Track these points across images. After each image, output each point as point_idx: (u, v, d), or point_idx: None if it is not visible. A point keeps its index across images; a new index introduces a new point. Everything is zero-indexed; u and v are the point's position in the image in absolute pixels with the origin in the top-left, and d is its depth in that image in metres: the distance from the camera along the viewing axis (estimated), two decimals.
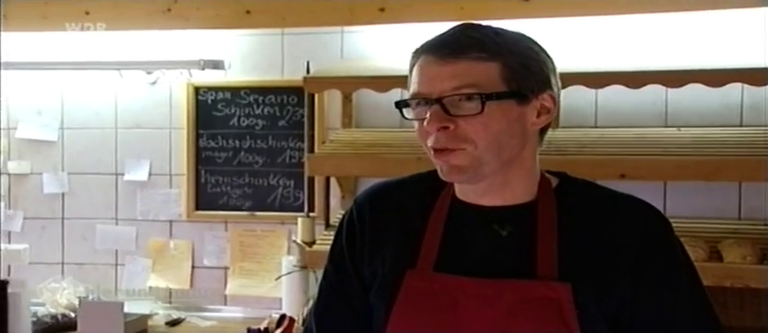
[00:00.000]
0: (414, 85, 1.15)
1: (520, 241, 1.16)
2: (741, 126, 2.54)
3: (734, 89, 2.44)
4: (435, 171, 1.21)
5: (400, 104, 1.17)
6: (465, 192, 1.21)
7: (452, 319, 1.15)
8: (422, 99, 1.13)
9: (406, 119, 1.17)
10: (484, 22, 1.18)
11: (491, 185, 1.17)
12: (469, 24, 1.15)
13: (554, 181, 1.22)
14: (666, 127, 2.59)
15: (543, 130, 1.19)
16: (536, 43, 1.17)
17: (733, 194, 2.57)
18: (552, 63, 1.18)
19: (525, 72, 1.12)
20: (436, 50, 1.12)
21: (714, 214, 2.55)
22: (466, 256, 1.18)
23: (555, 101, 1.16)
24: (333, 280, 1.32)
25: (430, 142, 1.13)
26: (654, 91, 2.41)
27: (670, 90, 2.49)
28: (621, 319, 1.15)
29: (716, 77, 2.20)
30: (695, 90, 2.28)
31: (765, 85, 2.21)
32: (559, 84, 1.19)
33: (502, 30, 1.16)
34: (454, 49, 1.11)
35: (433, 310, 1.16)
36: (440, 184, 1.21)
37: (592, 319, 1.13)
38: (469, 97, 1.09)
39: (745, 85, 2.43)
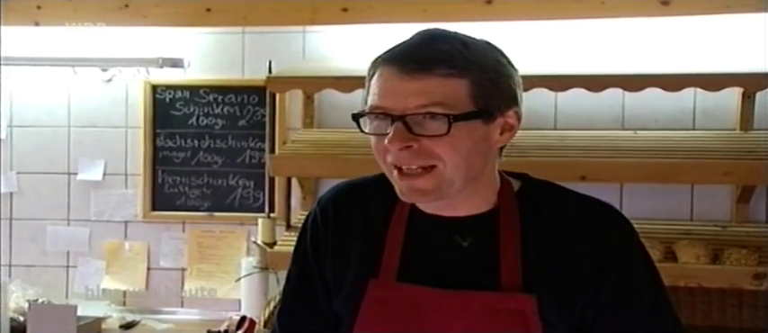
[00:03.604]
0: (374, 97, 1.08)
1: (482, 251, 1.14)
2: (694, 130, 2.62)
3: (688, 94, 2.52)
4: None
5: (357, 116, 1.10)
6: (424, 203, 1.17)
7: (417, 330, 1.13)
8: (382, 113, 1.06)
9: (363, 132, 1.10)
10: (448, 27, 1.12)
11: (450, 202, 1.13)
12: (435, 33, 1.09)
13: (516, 184, 1.19)
14: (623, 130, 2.65)
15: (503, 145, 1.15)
16: (503, 54, 1.12)
17: (685, 196, 2.65)
18: (518, 76, 1.13)
19: (493, 89, 1.07)
20: (401, 63, 1.05)
21: (667, 215, 2.62)
22: (428, 266, 1.15)
23: (519, 118, 1.12)
24: (296, 283, 1.28)
25: (390, 159, 1.08)
26: (611, 95, 2.47)
27: (627, 94, 2.56)
28: (584, 324, 1.14)
29: (673, 82, 2.27)
30: (651, 94, 2.35)
31: (720, 89, 2.29)
32: (522, 97, 1.14)
33: (470, 40, 1.10)
34: (421, 63, 1.04)
35: (397, 321, 1.14)
36: None
37: (556, 329, 1.12)
38: (434, 116, 1.04)
39: (699, 91, 2.51)
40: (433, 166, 1.06)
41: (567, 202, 1.18)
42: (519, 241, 1.12)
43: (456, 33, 1.10)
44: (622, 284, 1.13)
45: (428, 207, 1.16)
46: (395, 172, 1.09)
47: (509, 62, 1.12)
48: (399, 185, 1.10)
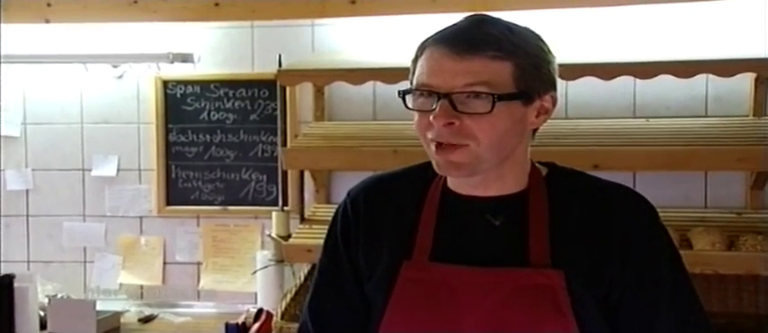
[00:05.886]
0: (421, 76, 1.13)
1: (512, 230, 1.18)
2: (706, 117, 2.61)
3: (699, 81, 2.50)
4: (425, 163, 1.23)
5: (403, 93, 1.16)
6: (457, 184, 1.22)
7: (450, 308, 1.16)
8: (428, 91, 1.12)
9: (408, 108, 1.16)
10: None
11: (485, 179, 1.19)
12: (483, 18, 1.15)
13: (543, 170, 1.25)
14: (635, 118, 2.64)
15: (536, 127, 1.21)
16: (544, 41, 1.18)
17: (699, 184, 2.64)
18: (556, 63, 1.18)
19: (535, 73, 1.13)
20: (451, 44, 1.11)
21: (682, 203, 2.61)
22: (460, 245, 1.20)
23: (555, 102, 1.18)
24: (328, 274, 1.32)
25: (431, 135, 1.13)
26: (623, 83, 2.46)
27: (638, 81, 2.55)
28: (610, 302, 1.18)
29: (685, 69, 2.25)
30: (663, 82, 2.33)
31: (733, 75, 2.27)
32: (558, 83, 1.20)
33: (514, 25, 1.16)
34: (470, 44, 1.10)
35: (430, 299, 1.18)
36: (430, 175, 1.23)
37: (584, 305, 1.16)
38: (478, 95, 1.09)
39: (711, 77, 2.49)
40: (466, 144, 1.12)
41: (592, 185, 1.24)
42: (547, 220, 1.17)
43: (501, 19, 1.16)
44: (647, 262, 1.18)
45: (461, 187, 1.22)
46: (433, 146, 1.14)
47: (549, 49, 1.18)
48: (436, 159, 1.15)
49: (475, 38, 1.11)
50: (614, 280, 1.17)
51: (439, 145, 1.13)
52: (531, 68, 1.12)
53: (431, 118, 1.11)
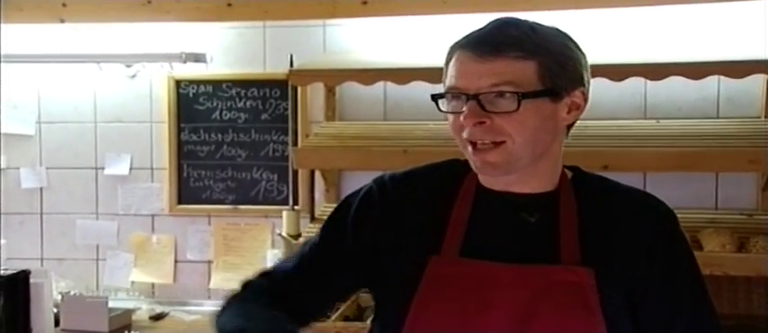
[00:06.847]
0: (451, 79, 1.17)
1: (545, 228, 1.20)
2: (717, 118, 2.60)
3: (711, 82, 2.49)
4: (451, 160, 1.26)
5: (436, 97, 1.19)
6: (492, 180, 1.23)
7: (480, 304, 1.17)
8: (457, 93, 1.16)
9: (441, 111, 1.19)
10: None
11: (521, 176, 1.20)
12: (507, 20, 1.18)
13: (569, 173, 1.27)
14: (645, 119, 2.64)
15: (570, 124, 1.22)
16: (571, 39, 1.20)
17: (710, 185, 2.64)
18: (585, 59, 1.20)
19: (560, 70, 1.15)
20: (475, 47, 1.15)
21: (692, 204, 2.60)
22: (492, 242, 1.21)
23: (585, 97, 1.19)
24: (314, 248, 1.31)
25: (465, 134, 1.16)
26: (633, 84, 2.46)
27: (649, 82, 2.54)
28: (632, 301, 1.20)
29: (697, 70, 2.25)
30: (674, 83, 2.33)
31: (744, 77, 2.26)
32: (590, 79, 1.21)
33: (538, 25, 1.18)
34: (493, 46, 1.14)
35: (459, 295, 1.18)
36: (461, 171, 1.24)
37: (612, 303, 1.17)
38: (504, 95, 1.12)
39: (722, 78, 2.48)
40: (502, 142, 1.15)
41: (617, 189, 1.26)
42: (576, 219, 1.20)
43: (526, 20, 1.19)
44: (669, 265, 1.21)
45: (496, 184, 1.23)
46: (469, 147, 1.17)
47: (576, 46, 1.20)
48: (473, 160, 1.18)
49: (498, 40, 1.14)
50: (638, 281, 1.19)
51: (474, 146, 1.16)
52: (555, 66, 1.14)
53: (462, 118, 1.15)
